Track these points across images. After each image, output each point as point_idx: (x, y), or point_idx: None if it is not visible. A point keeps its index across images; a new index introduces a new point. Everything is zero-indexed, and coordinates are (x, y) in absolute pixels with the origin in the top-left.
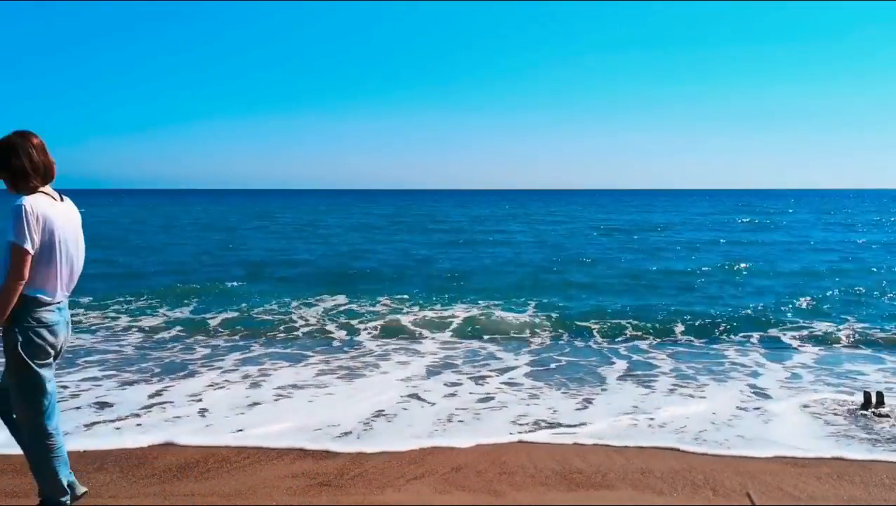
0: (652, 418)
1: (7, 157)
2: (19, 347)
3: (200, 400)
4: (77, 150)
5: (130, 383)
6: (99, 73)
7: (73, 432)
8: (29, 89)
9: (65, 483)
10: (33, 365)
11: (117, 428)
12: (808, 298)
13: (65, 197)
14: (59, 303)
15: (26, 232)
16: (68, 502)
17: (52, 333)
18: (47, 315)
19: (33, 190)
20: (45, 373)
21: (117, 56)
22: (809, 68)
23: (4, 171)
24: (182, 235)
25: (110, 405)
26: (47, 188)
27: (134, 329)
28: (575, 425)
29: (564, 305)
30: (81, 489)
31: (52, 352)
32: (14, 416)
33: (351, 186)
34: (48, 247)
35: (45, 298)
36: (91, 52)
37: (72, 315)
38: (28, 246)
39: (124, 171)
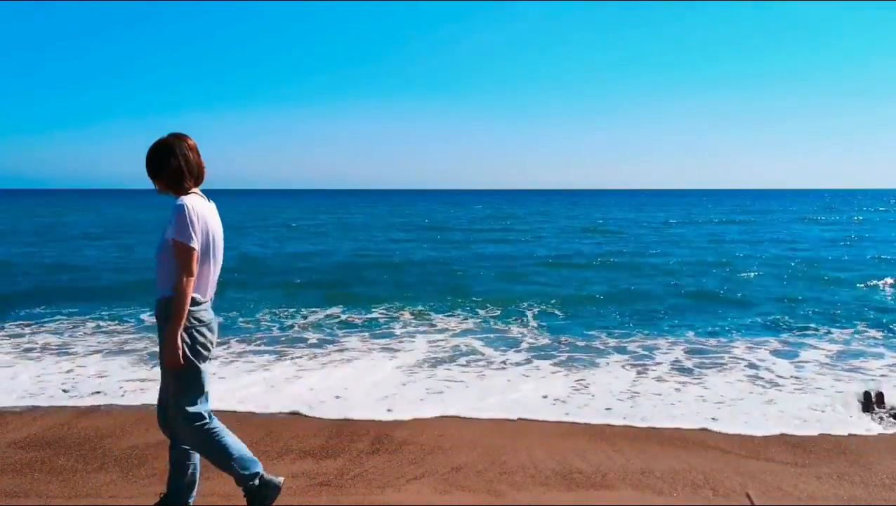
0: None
1: (166, 158)
2: (185, 349)
3: None
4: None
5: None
6: (97, 67)
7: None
8: None
9: (248, 454)
10: (198, 365)
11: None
12: None
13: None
14: (208, 302)
15: (191, 230)
16: (262, 470)
17: (211, 330)
18: (204, 314)
19: (187, 191)
20: (205, 373)
21: (117, 49)
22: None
23: (163, 171)
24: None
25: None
26: (198, 189)
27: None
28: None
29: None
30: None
31: (210, 350)
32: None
33: (341, 186)
34: (205, 247)
35: (200, 298)
36: (88, 47)
37: None
38: (194, 244)
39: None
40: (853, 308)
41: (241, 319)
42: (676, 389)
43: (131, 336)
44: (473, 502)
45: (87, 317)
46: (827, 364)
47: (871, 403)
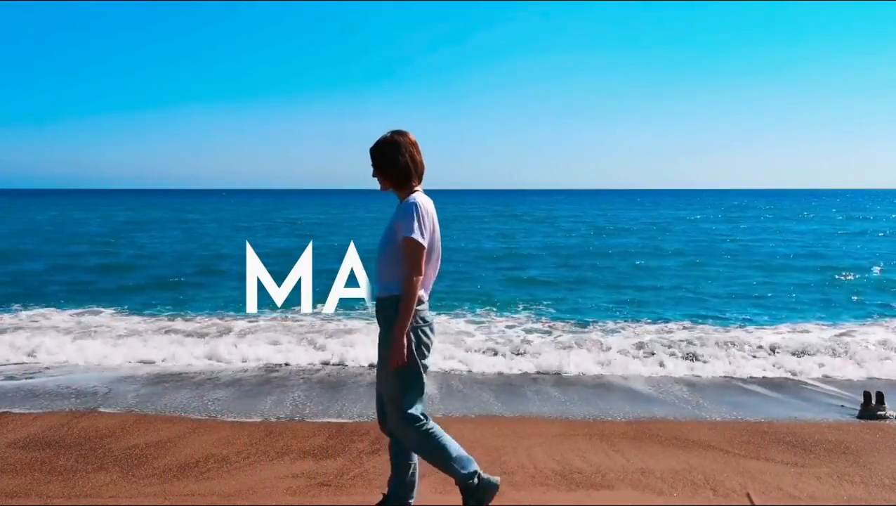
0: None
1: (393, 156)
2: (412, 348)
3: None
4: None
5: None
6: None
7: None
8: None
9: (464, 454)
10: (421, 365)
11: None
12: None
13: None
14: (427, 301)
15: (422, 229)
16: (480, 470)
17: (432, 331)
18: (427, 313)
19: (412, 189)
20: (425, 373)
21: (109, 41)
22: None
23: (391, 169)
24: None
25: None
26: (420, 187)
27: None
28: None
29: None
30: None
31: (430, 351)
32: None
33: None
34: (431, 247)
35: (423, 296)
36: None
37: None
38: (424, 242)
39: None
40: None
41: None
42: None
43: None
44: None
45: None
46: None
47: (871, 403)
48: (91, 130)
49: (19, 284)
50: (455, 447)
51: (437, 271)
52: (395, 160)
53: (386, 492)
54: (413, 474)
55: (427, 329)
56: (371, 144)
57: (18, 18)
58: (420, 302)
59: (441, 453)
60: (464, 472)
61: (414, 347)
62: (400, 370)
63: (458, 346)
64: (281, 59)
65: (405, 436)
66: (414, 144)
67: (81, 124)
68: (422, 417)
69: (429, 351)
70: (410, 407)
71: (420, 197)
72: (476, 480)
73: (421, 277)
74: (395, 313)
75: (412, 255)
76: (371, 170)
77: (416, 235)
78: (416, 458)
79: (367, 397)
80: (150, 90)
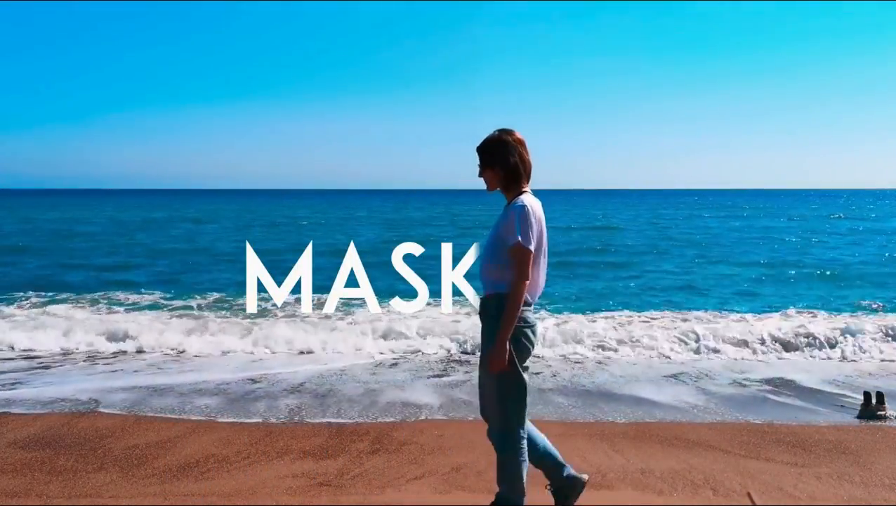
0: None
1: (503, 155)
2: (512, 350)
3: None
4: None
5: None
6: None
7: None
8: None
9: (553, 450)
10: (521, 368)
11: None
12: None
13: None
14: (533, 303)
15: (530, 233)
16: (569, 467)
17: (535, 334)
18: (530, 316)
19: (520, 190)
20: (527, 376)
21: (108, 45)
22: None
23: (501, 169)
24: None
25: None
26: (528, 188)
27: None
28: None
29: None
30: (583, 477)
31: (531, 354)
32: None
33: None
34: (538, 249)
35: (529, 298)
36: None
37: None
38: (532, 247)
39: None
40: None
41: None
42: None
43: None
44: (473, 502)
45: None
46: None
47: (871, 403)
48: (106, 129)
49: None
50: (543, 444)
51: (545, 273)
52: (506, 160)
53: (552, 489)
54: (560, 461)
55: (529, 331)
56: (478, 143)
57: (18, 19)
58: (525, 304)
59: (514, 470)
60: (509, 498)
61: (514, 350)
62: (500, 374)
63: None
64: (288, 59)
65: (496, 434)
66: (523, 143)
67: (91, 125)
68: (517, 429)
69: (529, 354)
70: (509, 410)
71: (528, 199)
72: (564, 475)
73: (527, 282)
74: (498, 311)
75: (520, 260)
76: (477, 169)
77: (525, 241)
78: (552, 448)
79: (368, 397)
80: (185, 87)
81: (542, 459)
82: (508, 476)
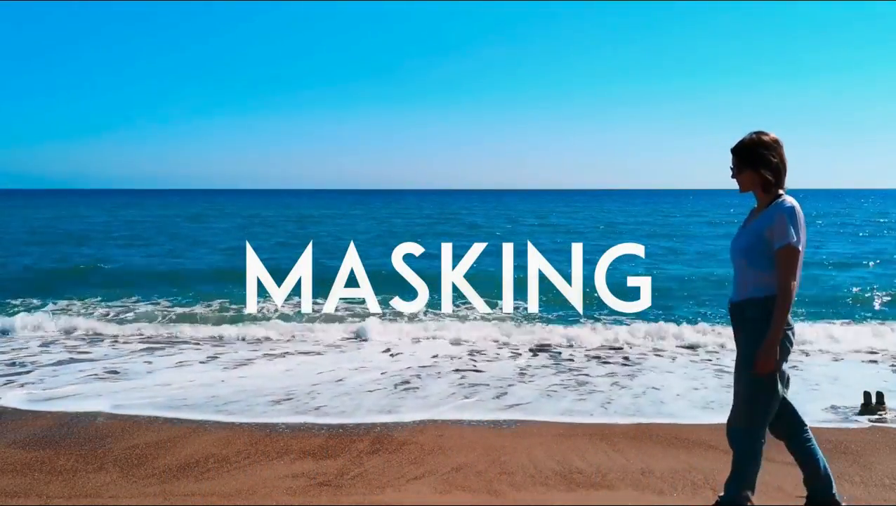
0: None
1: (766, 156)
2: (781, 349)
3: None
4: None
5: None
6: (91, 70)
7: None
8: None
9: (755, 487)
10: (780, 370)
11: None
12: None
13: None
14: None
15: (800, 234)
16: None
17: (794, 334)
18: (790, 318)
19: (780, 191)
20: (781, 380)
21: (110, 53)
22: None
23: (763, 170)
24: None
25: None
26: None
27: None
28: None
29: None
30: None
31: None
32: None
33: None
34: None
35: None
36: (81, 50)
37: None
38: (801, 247)
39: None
40: None
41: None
42: None
43: None
44: (473, 502)
45: None
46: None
47: (871, 403)
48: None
49: None
50: (757, 477)
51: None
52: (768, 161)
53: (807, 493)
54: (822, 462)
55: (790, 333)
56: (733, 145)
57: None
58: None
59: (750, 471)
60: (736, 497)
61: (780, 352)
62: (763, 376)
63: None
64: (292, 62)
65: (738, 432)
66: (782, 144)
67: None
68: (761, 430)
69: (788, 356)
70: (761, 411)
71: (793, 200)
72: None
73: (796, 282)
74: (761, 315)
75: (790, 261)
76: (728, 170)
77: (796, 241)
78: (814, 446)
79: (366, 397)
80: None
81: (804, 456)
82: (741, 476)
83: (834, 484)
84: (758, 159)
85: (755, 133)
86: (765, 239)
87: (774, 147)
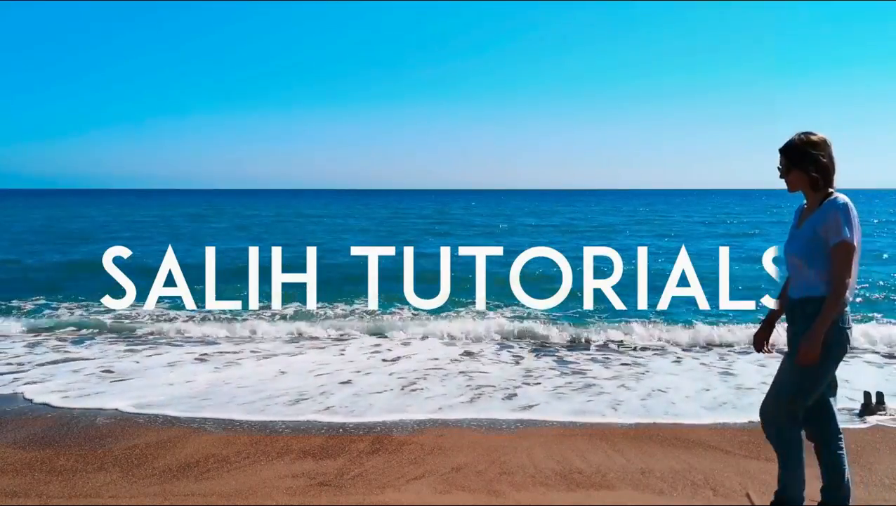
0: None
1: (816, 155)
2: (834, 349)
3: None
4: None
5: None
6: (91, 67)
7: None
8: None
9: (803, 482)
10: (832, 368)
11: None
12: None
13: None
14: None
15: (854, 231)
16: (804, 499)
17: (851, 332)
18: (849, 318)
19: (830, 189)
20: (826, 378)
21: (108, 50)
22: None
23: (813, 169)
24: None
25: None
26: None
27: None
28: None
29: None
30: None
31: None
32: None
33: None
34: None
35: (847, 297)
36: (80, 46)
37: None
38: (856, 243)
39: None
40: None
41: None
42: None
43: None
44: (473, 502)
45: None
46: None
47: (871, 403)
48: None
49: None
50: (803, 470)
51: (857, 274)
52: (817, 160)
53: (821, 500)
54: (847, 474)
55: (849, 332)
56: (781, 145)
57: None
58: (844, 304)
59: (794, 460)
60: (794, 495)
61: (830, 349)
62: (806, 369)
63: None
64: (292, 62)
65: (779, 429)
66: (830, 144)
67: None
68: (798, 425)
69: (844, 355)
70: (796, 408)
71: (846, 197)
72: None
73: (850, 278)
74: (816, 314)
75: (845, 258)
76: (776, 170)
77: (850, 238)
78: (842, 451)
79: (367, 397)
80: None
81: (829, 460)
82: (791, 472)
83: (852, 497)
84: (808, 160)
85: (803, 133)
86: (821, 238)
87: (823, 147)
